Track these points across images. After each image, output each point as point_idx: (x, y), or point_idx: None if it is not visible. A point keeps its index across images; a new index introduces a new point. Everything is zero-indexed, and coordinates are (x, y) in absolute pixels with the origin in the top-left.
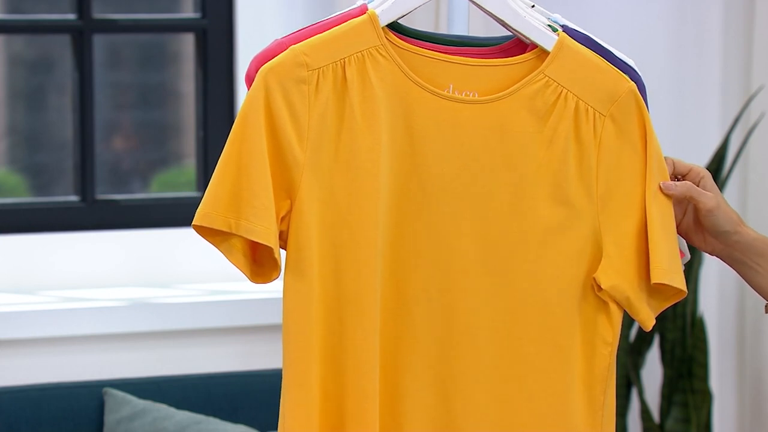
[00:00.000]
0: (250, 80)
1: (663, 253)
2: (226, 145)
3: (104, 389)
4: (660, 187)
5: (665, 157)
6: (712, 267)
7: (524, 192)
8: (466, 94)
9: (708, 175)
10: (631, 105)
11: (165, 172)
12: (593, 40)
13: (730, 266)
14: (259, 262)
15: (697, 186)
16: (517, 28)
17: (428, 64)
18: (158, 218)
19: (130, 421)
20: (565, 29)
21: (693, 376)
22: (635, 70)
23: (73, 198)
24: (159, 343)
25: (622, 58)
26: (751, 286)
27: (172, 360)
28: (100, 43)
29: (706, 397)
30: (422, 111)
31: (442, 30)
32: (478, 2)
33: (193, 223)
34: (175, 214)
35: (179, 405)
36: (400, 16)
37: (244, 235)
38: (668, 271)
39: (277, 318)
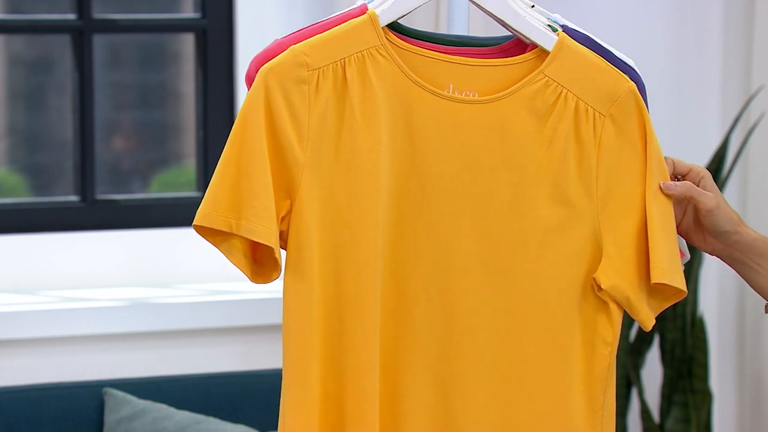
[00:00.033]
0: (250, 80)
1: (663, 253)
2: (226, 146)
3: (104, 389)
4: (660, 187)
5: (665, 157)
6: (712, 267)
7: (524, 192)
8: (466, 94)
9: (708, 175)
10: (631, 105)
11: (165, 172)
12: (593, 40)
13: (730, 266)
14: (259, 262)
15: (697, 186)
16: (517, 28)
17: (428, 64)
18: (158, 218)
19: (130, 421)
20: (565, 29)
21: (693, 376)
22: (635, 70)
23: (73, 198)
24: (159, 343)
25: (622, 58)
26: (751, 286)
27: (172, 360)
28: (100, 43)
29: (706, 397)
30: (422, 111)
31: (442, 30)
32: (478, 2)
33: (193, 223)
34: (175, 214)
35: (179, 405)
36: (400, 16)
37: (245, 235)
38: (668, 271)
39: (277, 318)
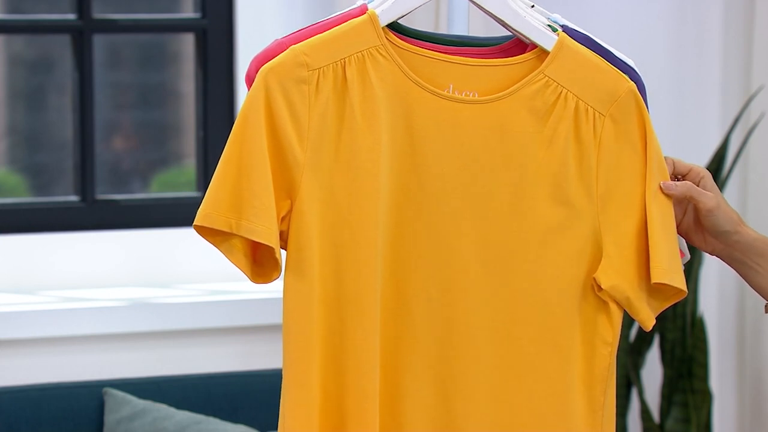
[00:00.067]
0: (250, 80)
1: (663, 253)
2: (226, 146)
3: (104, 389)
4: (660, 186)
5: (665, 157)
6: (712, 267)
7: (524, 192)
8: (466, 94)
9: (708, 175)
10: (631, 105)
11: (165, 172)
12: (593, 40)
13: (730, 266)
14: (259, 262)
15: (697, 186)
16: (517, 28)
17: (428, 64)
18: (158, 218)
19: (130, 421)
20: (565, 29)
21: (693, 376)
22: (635, 70)
23: (73, 198)
24: (159, 343)
25: (622, 58)
26: (751, 286)
27: (172, 360)
28: (100, 43)
29: (706, 397)
30: (422, 111)
31: (442, 30)
32: (478, 2)
33: (194, 223)
34: (175, 214)
35: (179, 405)
36: (400, 16)
37: (245, 235)
38: (668, 270)
39: (277, 318)
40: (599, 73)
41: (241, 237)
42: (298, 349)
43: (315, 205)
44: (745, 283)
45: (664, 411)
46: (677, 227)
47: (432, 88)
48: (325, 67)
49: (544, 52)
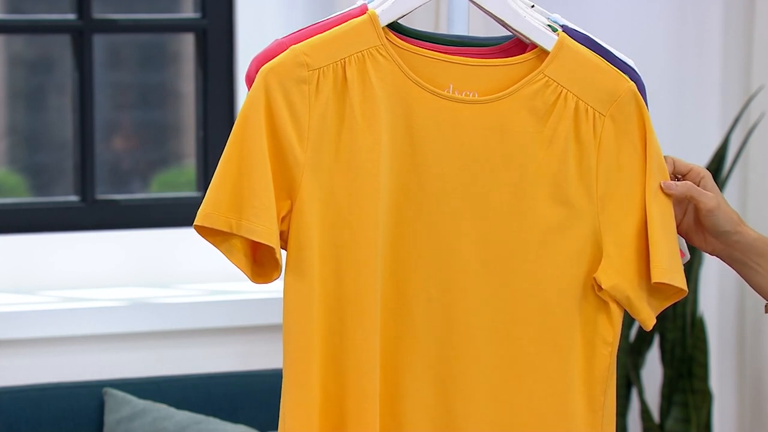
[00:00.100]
0: (250, 80)
1: (663, 253)
2: (226, 146)
3: (104, 389)
4: (660, 186)
5: (665, 156)
6: (712, 267)
7: (524, 192)
8: (466, 94)
9: (708, 175)
10: (631, 105)
11: (165, 172)
12: (593, 40)
13: (730, 266)
14: (259, 263)
15: (697, 186)
16: (517, 28)
17: (428, 64)
18: (158, 218)
19: (130, 421)
20: (565, 29)
21: (693, 376)
22: (635, 70)
23: (73, 198)
24: (159, 343)
25: (622, 58)
26: (751, 286)
27: (172, 360)
28: (100, 43)
29: (706, 397)
30: (422, 111)
31: (442, 30)
32: (478, 2)
33: (194, 223)
34: (175, 214)
35: (179, 405)
36: (400, 16)
37: (246, 236)
38: (669, 270)
39: (277, 318)
40: (599, 73)
41: (242, 237)
42: (299, 349)
43: (315, 205)
44: (745, 283)
45: (664, 411)
46: (677, 227)
47: (432, 88)
48: (325, 67)
49: (544, 52)
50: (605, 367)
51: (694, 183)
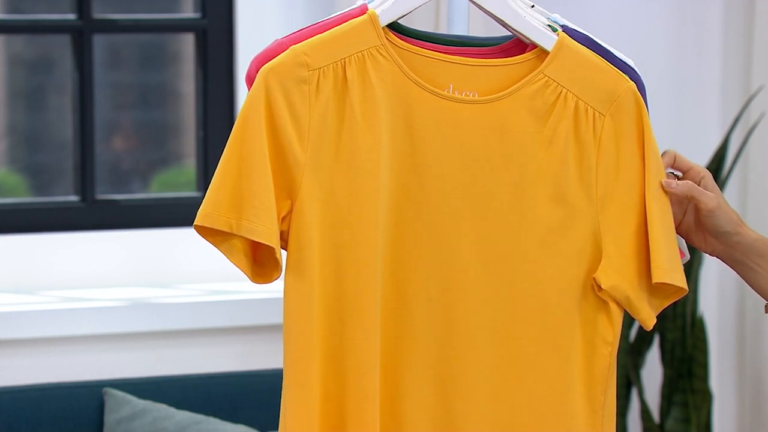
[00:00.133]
0: (250, 80)
1: (664, 252)
2: (226, 146)
3: (104, 389)
4: (662, 184)
5: (667, 150)
6: (712, 267)
7: (524, 192)
8: (466, 94)
9: (708, 175)
10: (631, 105)
11: (165, 172)
12: (593, 40)
13: (730, 267)
14: (260, 263)
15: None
16: (517, 28)
17: (428, 64)
18: (158, 218)
19: (130, 421)
20: (565, 29)
21: (693, 376)
22: (635, 70)
23: (73, 198)
24: (159, 343)
25: (622, 58)
26: (751, 287)
27: (172, 360)
28: (100, 43)
29: (706, 397)
30: (422, 111)
31: (442, 30)
32: (478, 2)
33: (194, 223)
34: (175, 214)
35: (179, 405)
36: (400, 16)
37: (246, 236)
38: (669, 270)
39: (277, 318)
40: (599, 73)
41: (242, 237)
42: (299, 349)
43: (315, 205)
44: (745, 283)
45: (664, 411)
46: (677, 227)
47: (432, 88)
48: (325, 67)
49: (544, 52)
50: (605, 366)
51: (694, 182)
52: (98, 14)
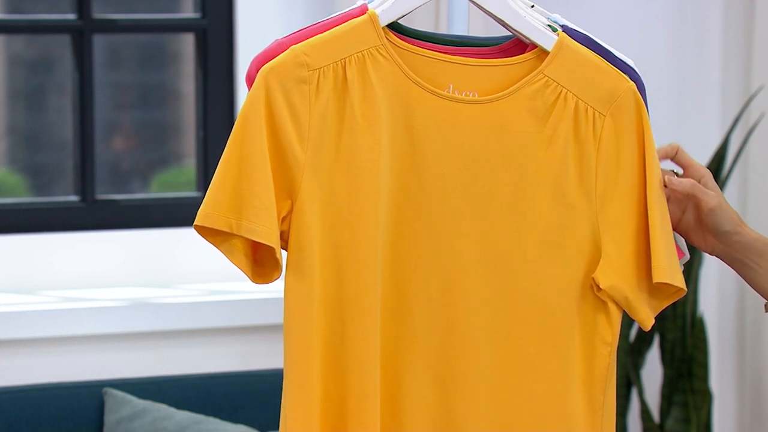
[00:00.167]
0: (250, 80)
1: (664, 253)
2: (226, 146)
3: (104, 389)
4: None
5: (671, 143)
6: (712, 267)
7: (524, 192)
8: (466, 94)
9: (709, 174)
10: (631, 105)
11: (165, 172)
12: (593, 40)
13: (730, 266)
14: (260, 263)
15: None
16: (517, 28)
17: (428, 64)
18: (158, 218)
19: (130, 421)
20: (565, 29)
21: (693, 376)
22: (635, 70)
23: (73, 198)
24: (159, 343)
25: (622, 58)
26: (751, 286)
27: (172, 360)
28: (100, 43)
29: (706, 397)
30: (422, 111)
31: (442, 30)
32: (478, 2)
33: (194, 223)
34: (175, 214)
35: (179, 405)
36: (400, 16)
37: (246, 236)
38: (669, 270)
39: (277, 318)
40: (599, 73)
41: (242, 237)
42: (299, 349)
43: (315, 205)
44: (745, 283)
45: (664, 411)
46: (677, 226)
47: (432, 88)
48: (325, 67)
49: (544, 52)
50: (605, 366)
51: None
52: (98, 14)
